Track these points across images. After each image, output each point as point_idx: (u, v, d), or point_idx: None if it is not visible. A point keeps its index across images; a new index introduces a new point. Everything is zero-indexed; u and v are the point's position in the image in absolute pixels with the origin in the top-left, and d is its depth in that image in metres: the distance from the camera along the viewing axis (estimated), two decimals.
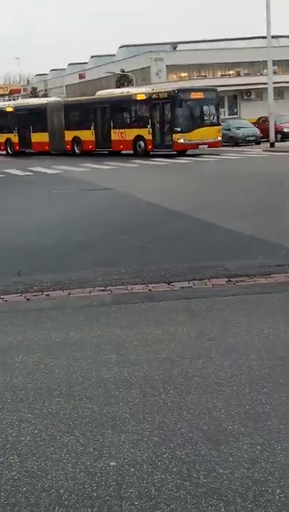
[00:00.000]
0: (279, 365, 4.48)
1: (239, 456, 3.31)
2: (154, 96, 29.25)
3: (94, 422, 3.75)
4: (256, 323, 5.43)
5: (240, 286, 6.75)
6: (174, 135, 27.60)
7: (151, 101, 29.11)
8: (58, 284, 7.07)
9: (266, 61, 31.82)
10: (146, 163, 26.22)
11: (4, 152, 38.29)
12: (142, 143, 29.50)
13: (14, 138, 37.47)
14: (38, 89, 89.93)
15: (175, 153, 28.61)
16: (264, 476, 3.12)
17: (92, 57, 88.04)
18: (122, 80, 60.52)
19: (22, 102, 41.30)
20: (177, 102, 27.58)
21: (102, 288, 6.86)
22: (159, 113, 28.73)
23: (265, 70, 38.69)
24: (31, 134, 36.19)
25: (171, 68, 60.17)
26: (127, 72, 60.72)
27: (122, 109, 30.75)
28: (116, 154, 31.28)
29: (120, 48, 76.00)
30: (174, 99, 27.79)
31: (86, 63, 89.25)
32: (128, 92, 33.07)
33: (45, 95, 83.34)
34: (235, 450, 3.37)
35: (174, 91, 28.24)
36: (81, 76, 71.72)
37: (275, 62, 35.08)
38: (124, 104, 30.69)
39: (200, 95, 28.79)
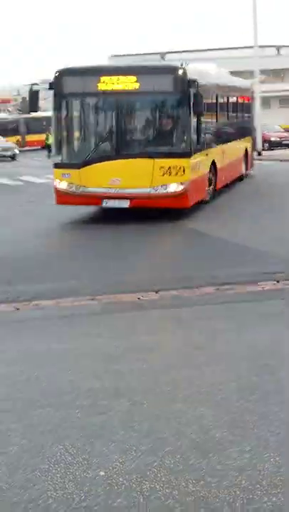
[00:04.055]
0: (267, 372, 4.50)
1: (227, 464, 3.32)
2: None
3: (82, 431, 3.75)
4: (244, 332, 5.46)
5: (228, 294, 6.79)
6: (54, 171, 12.47)
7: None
8: (47, 293, 7.07)
9: (253, 71, 32.07)
10: None
11: None
12: None
13: None
14: (27, 99, 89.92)
15: None
16: (252, 484, 3.13)
17: None
18: None
19: None
20: (58, 99, 12.24)
21: (91, 297, 6.87)
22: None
23: (252, 80, 38.94)
24: None
25: None
26: None
27: None
28: None
29: (110, 57, 76.46)
30: (54, 92, 12.19)
31: None
32: None
33: None
34: (223, 458, 3.38)
35: (55, 73, 12.12)
36: None
37: (261, 72, 35.36)
38: None
39: (122, 83, 11.66)
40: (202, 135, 12.29)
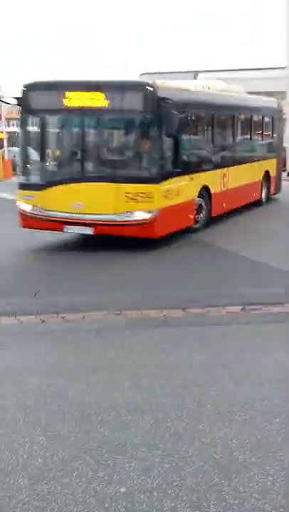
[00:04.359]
0: None
1: (250, 486, 3.28)
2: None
3: (105, 447, 3.74)
4: (270, 352, 5.41)
5: (254, 314, 6.74)
6: (19, 192, 11.55)
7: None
8: (73, 306, 7.10)
9: (285, 91, 32.04)
10: None
11: None
12: None
13: None
14: None
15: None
16: (275, 508, 3.09)
17: None
18: None
19: None
20: (24, 115, 11.45)
21: (117, 312, 6.87)
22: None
23: (284, 101, 38.86)
24: None
25: None
26: None
27: None
28: None
29: (142, 75, 76.89)
30: (21, 108, 11.44)
31: None
32: None
33: None
34: (246, 480, 3.34)
35: (22, 88, 11.30)
36: None
37: None
38: None
39: (87, 100, 10.81)
40: (183, 158, 11.40)
